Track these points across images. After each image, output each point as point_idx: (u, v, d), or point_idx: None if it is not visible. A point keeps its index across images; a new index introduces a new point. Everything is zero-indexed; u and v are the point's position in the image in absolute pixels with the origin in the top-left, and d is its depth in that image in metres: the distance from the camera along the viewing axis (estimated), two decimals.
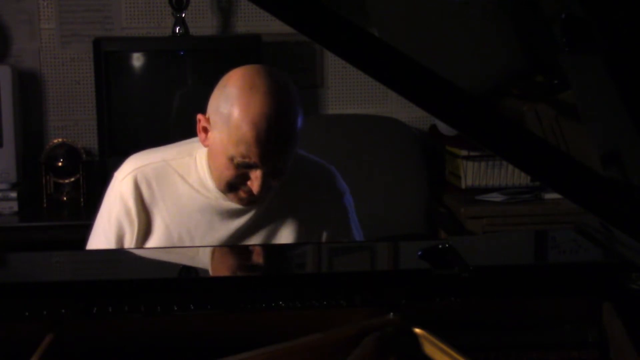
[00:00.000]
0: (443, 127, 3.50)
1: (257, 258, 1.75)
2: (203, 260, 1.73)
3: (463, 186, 3.46)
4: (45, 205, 3.43)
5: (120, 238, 1.90)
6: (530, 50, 1.57)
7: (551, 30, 1.38)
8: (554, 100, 1.88)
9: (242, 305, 1.36)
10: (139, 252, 1.85)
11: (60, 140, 3.54)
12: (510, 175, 3.44)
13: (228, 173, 1.81)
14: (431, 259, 1.44)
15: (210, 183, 1.88)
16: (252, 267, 1.69)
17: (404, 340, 1.29)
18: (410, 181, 3.44)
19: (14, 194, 3.32)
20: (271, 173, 1.80)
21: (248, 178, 1.80)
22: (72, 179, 3.47)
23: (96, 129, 3.44)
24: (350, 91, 3.76)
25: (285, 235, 1.92)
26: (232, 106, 1.76)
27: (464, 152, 3.45)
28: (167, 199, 1.89)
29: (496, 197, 3.34)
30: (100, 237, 1.93)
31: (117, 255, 1.85)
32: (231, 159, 1.78)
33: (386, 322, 1.31)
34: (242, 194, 1.84)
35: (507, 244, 1.75)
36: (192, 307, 1.35)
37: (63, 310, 1.33)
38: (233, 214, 1.90)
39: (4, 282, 1.46)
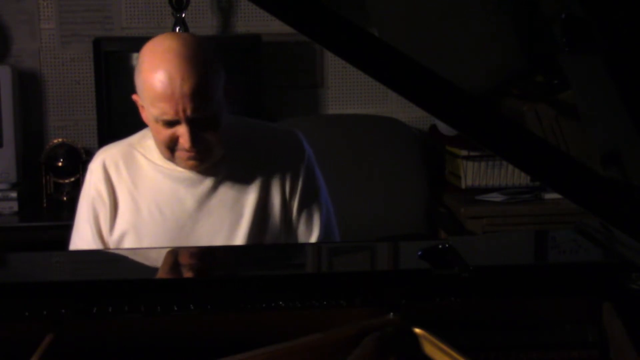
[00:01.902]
0: (443, 127, 3.50)
1: (257, 258, 1.75)
2: (203, 260, 1.73)
3: (463, 186, 3.46)
4: (45, 205, 3.44)
5: (96, 219, 1.99)
6: (530, 50, 1.57)
7: (551, 30, 1.38)
8: (554, 100, 1.88)
9: (242, 305, 1.36)
10: (139, 252, 1.85)
11: (60, 140, 3.54)
12: (510, 175, 3.44)
13: (160, 137, 1.89)
14: (431, 259, 1.44)
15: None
16: (252, 267, 1.69)
17: (404, 340, 1.29)
18: (410, 181, 3.44)
19: (14, 194, 3.32)
20: (198, 126, 1.86)
21: (178, 136, 1.88)
22: (72, 179, 3.47)
23: (96, 129, 3.44)
24: (350, 91, 3.76)
25: (251, 197, 1.98)
26: (140, 71, 1.88)
27: (464, 152, 3.45)
28: (134, 177, 2.00)
29: (496, 197, 3.34)
30: (83, 224, 2.00)
31: (117, 255, 1.85)
32: (157, 121, 1.87)
33: (386, 322, 1.31)
34: (182, 154, 1.91)
35: (507, 244, 1.75)
36: (192, 307, 1.35)
37: (63, 310, 1.33)
38: (195, 181, 1.97)
39: (4, 282, 1.46)
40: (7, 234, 3.21)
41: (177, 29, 3.45)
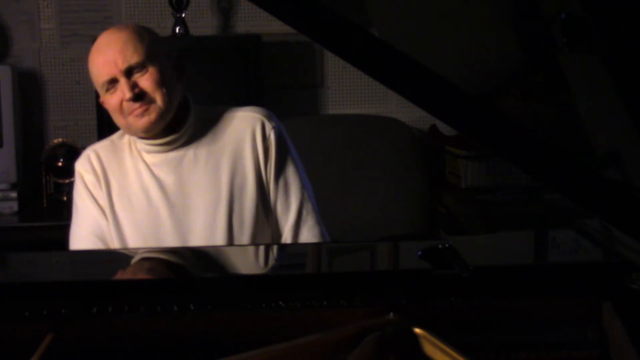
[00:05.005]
0: (443, 127, 3.50)
1: (257, 258, 1.75)
2: (203, 260, 1.73)
3: (463, 186, 3.46)
4: (45, 205, 3.43)
5: (93, 196, 2.07)
6: (530, 50, 1.57)
7: (551, 30, 1.38)
8: (554, 100, 1.88)
9: (242, 305, 1.36)
10: (139, 253, 1.85)
11: (60, 140, 3.54)
12: (510, 175, 3.43)
13: (110, 106, 2.00)
14: (431, 259, 1.44)
15: (140, 145, 2.06)
16: (252, 267, 1.69)
17: (404, 340, 1.29)
18: (410, 181, 3.44)
19: (14, 194, 3.32)
20: (134, 77, 1.95)
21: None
22: (72, 179, 3.46)
23: (96, 129, 3.44)
24: (350, 91, 3.76)
25: (225, 175, 2.04)
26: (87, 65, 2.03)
27: (464, 152, 3.45)
28: (114, 167, 2.08)
29: (496, 197, 3.34)
30: (83, 205, 2.08)
31: (117, 255, 1.85)
32: (103, 91, 1.99)
33: (386, 322, 1.31)
34: (132, 117, 1.98)
35: (507, 244, 1.75)
36: (192, 307, 1.35)
37: (63, 310, 1.33)
38: (172, 165, 2.05)
39: (4, 282, 1.46)
40: (7, 234, 3.21)
41: (177, 29, 3.45)
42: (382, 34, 1.42)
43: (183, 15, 3.48)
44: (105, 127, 3.32)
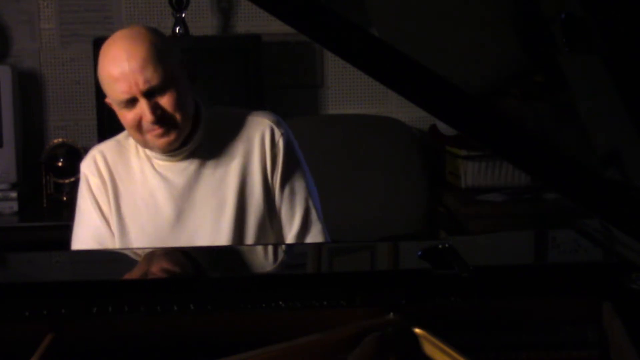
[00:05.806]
0: (443, 127, 3.50)
1: (257, 257, 1.75)
2: (203, 260, 1.73)
3: (463, 186, 3.46)
4: (45, 205, 3.43)
5: (98, 203, 2.04)
6: (530, 50, 1.57)
7: (551, 30, 1.38)
8: (554, 100, 1.88)
9: (242, 305, 1.36)
10: (139, 253, 1.85)
11: (60, 140, 3.54)
12: (510, 175, 3.43)
13: (128, 122, 1.96)
14: (431, 259, 1.44)
15: (148, 151, 2.03)
16: (252, 267, 1.69)
17: (404, 340, 1.29)
18: (410, 181, 3.44)
19: (14, 194, 3.32)
20: (155, 97, 1.92)
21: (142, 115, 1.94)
22: (72, 179, 3.47)
23: (96, 129, 3.44)
24: (350, 91, 3.76)
25: (232, 181, 2.02)
26: (98, 70, 1.96)
27: (464, 152, 3.44)
28: (120, 169, 2.06)
29: (496, 197, 3.34)
30: (86, 210, 2.06)
31: (117, 255, 1.85)
32: (120, 107, 1.95)
33: (386, 322, 1.31)
34: (150, 135, 1.95)
35: (507, 244, 1.75)
36: (192, 307, 1.35)
37: (63, 310, 1.33)
38: (179, 170, 2.03)
39: (4, 282, 1.46)
40: (7, 234, 3.21)
41: (177, 29, 3.45)
42: (382, 34, 1.42)
43: (183, 15, 3.48)
44: (106, 127, 3.33)
